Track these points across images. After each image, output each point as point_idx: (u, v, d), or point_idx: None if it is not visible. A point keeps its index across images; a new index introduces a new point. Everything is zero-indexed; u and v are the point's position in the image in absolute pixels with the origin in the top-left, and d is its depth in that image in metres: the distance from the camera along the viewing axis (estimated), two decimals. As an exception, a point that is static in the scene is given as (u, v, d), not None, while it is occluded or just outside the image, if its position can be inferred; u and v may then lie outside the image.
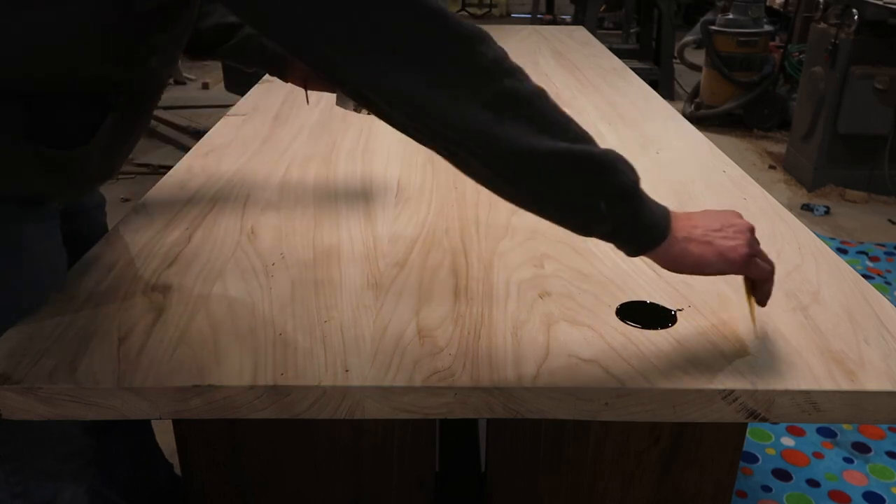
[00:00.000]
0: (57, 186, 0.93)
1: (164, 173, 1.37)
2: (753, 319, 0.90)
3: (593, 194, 0.75)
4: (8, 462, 0.98)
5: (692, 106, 4.78)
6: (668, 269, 0.81)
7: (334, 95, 1.28)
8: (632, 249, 0.79)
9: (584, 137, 0.76)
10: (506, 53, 0.73)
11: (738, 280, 1.00)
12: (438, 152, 0.75)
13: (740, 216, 0.84)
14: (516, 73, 0.73)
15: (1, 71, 0.81)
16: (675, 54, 5.25)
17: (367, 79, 0.69)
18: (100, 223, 1.21)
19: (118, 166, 1.01)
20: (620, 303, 0.95)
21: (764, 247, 1.10)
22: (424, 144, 0.75)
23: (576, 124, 0.76)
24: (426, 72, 0.68)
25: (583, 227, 0.79)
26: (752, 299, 0.88)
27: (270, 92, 1.90)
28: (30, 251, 0.93)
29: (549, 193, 0.75)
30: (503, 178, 0.74)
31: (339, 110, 1.74)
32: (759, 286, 0.85)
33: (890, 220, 3.42)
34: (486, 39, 0.71)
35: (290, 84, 1.33)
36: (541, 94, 0.74)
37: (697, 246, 0.79)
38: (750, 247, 0.81)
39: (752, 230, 0.83)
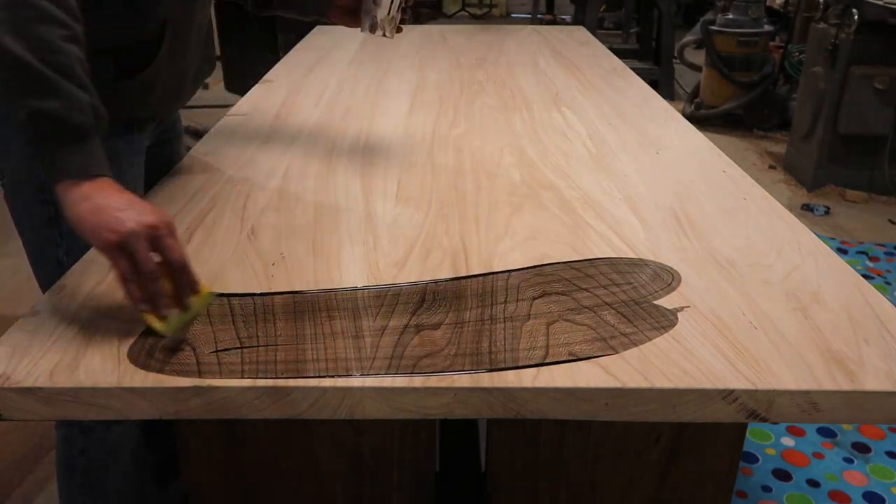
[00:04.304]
0: (141, 103, 1.20)
1: (164, 173, 1.37)
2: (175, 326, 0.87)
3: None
4: None
5: (692, 106, 4.78)
6: (66, 214, 0.87)
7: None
8: (50, 173, 0.88)
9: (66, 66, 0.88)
10: None
11: (738, 280, 1.01)
12: None
13: (162, 222, 0.86)
14: None
15: (99, 38, 1.03)
16: (675, 54, 5.25)
17: None
18: (179, 151, 1.47)
19: (184, 86, 1.28)
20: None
21: (764, 247, 1.10)
22: None
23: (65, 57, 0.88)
24: None
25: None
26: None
27: (270, 92, 1.90)
28: (121, 163, 1.17)
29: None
30: None
31: (340, 110, 1.74)
32: (126, 282, 0.85)
33: (890, 220, 3.42)
34: None
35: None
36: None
37: (89, 207, 0.85)
38: (125, 241, 0.83)
39: (150, 235, 0.85)
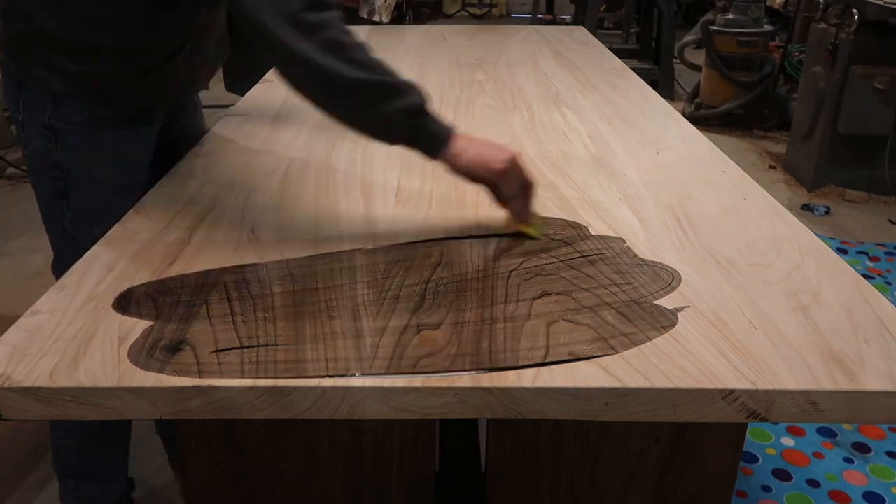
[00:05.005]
0: (156, 95, 1.33)
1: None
2: (525, 230, 1.12)
3: (395, 110, 1.04)
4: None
5: (692, 106, 4.78)
6: (452, 172, 1.11)
7: None
8: (427, 151, 1.10)
9: (389, 72, 1.06)
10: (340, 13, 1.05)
11: (738, 280, 1.01)
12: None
13: (507, 148, 1.11)
14: (342, 28, 1.04)
15: (128, 40, 1.21)
16: (675, 54, 5.25)
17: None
18: (198, 122, 1.58)
19: (198, 79, 1.42)
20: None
21: (764, 247, 1.11)
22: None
23: (381, 64, 1.05)
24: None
25: (390, 138, 1.11)
26: (513, 217, 1.13)
27: (270, 92, 1.90)
28: (128, 152, 1.32)
29: (365, 114, 1.07)
30: (331, 102, 1.07)
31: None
32: (511, 200, 1.11)
33: (890, 220, 3.42)
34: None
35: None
36: (361, 46, 1.05)
37: (469, 156, 1.09)
38: (508, 164, 1.09)
39: (515, 156, 1.10)
